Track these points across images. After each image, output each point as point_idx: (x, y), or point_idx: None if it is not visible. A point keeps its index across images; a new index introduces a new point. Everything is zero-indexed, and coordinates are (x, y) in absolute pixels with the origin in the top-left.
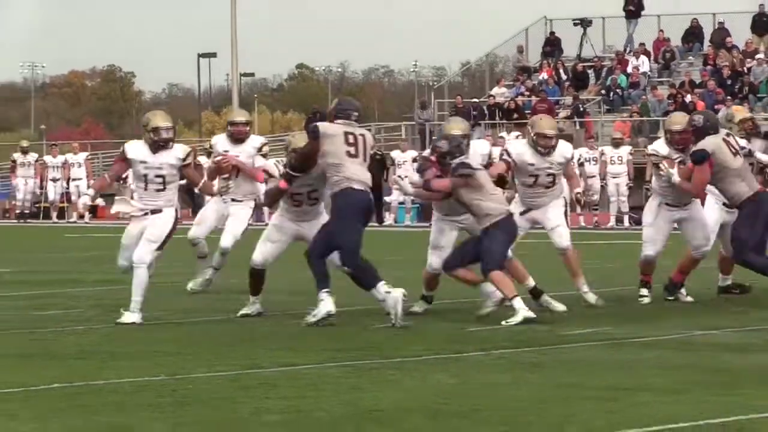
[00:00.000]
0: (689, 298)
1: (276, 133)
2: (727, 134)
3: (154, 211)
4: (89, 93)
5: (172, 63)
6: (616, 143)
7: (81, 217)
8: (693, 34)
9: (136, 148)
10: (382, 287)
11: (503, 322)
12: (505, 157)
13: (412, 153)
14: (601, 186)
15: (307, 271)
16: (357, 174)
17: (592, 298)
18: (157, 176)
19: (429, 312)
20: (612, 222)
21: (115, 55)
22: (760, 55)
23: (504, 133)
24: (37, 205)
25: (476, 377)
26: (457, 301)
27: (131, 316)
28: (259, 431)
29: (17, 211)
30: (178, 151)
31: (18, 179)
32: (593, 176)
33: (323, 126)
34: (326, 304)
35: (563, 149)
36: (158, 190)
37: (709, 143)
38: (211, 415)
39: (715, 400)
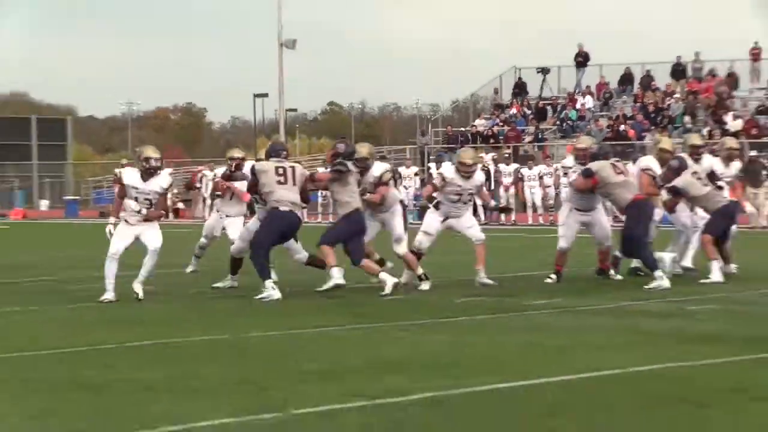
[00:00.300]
0: (619, 277)
1: (313, 153)
2: (616, 160)
3: (146, 220)
4: (172, 124)
5: (236, 100)
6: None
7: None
8: (626, 79)
9: (130, 175)
10: (269, 283)
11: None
12: (435, 180)
13: (414, 168)
14: (556, 193)
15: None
16: (284, 197)
17: (483, 279)
18: (146, 199)
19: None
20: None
21: (191, 94)
22: (677, 95)
23: (483, 154)
24: None
25: (462, 337)
26: (446, 279)
27: (141, 290)
28: (302, 378)
29: None
30: (163, 181)
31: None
32: (549, 186)
33: (258, 165)
34: (270, 293)
35: (479, 176)
36: (147, 208)
37: (595, 164)
38: (265, 364)
39: (639, 353)
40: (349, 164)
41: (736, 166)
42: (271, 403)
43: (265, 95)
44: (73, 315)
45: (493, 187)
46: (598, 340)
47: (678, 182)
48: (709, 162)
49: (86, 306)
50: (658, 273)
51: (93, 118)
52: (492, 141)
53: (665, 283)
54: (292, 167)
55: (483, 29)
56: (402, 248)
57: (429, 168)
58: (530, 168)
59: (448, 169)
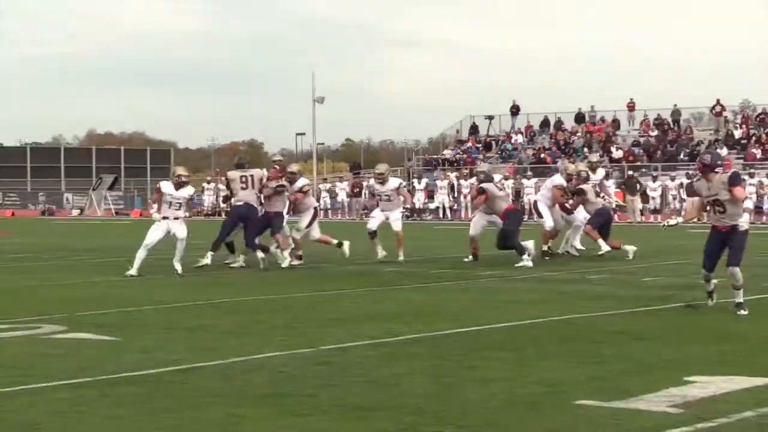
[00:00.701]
0: (546, 258)
1: (335, 173)
2: (500, 180)
3: (176, 218)
4: (241, 153)
5: (283, 137)
6: (506, 177)
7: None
8: (545, 123)
9: (166, 186)
10: (231, 257)
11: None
12: (371, 190)
13: (403, 183)
14: None
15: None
16: (244, 197)
17: (401, 257)
18: (177, 203)
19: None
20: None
21: (254, 133)
22: (579, 134)
23: (449, 173)
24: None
25: (438, 296)
26: (424, 258)
27: (178, 267)
28: (326, 324)
29: (205, 213)
30: (189, 191)
31: (204, 196)
32: None
33: (229, 174)
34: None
35: (393, 182)
36: (177, 209)
37: (485, 185)
38: (300, 315)
39: (555, 307)
40: (287, 185)
41: (602, 172)
42: (304, 342)
43: (303, 134)
44: (176, 282)
45: (456, 195)
46: (527, 298)
47: (584, 186)
48: (601, 173)
49: (188, 275)
50: (525, 256)
51: (188, 149)
52: (455, 164)
53: (529, 264)
54: (252, 175)
55: (449, 90)
56: (297, 234)
57: (412, 182)
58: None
59: (374, 182)
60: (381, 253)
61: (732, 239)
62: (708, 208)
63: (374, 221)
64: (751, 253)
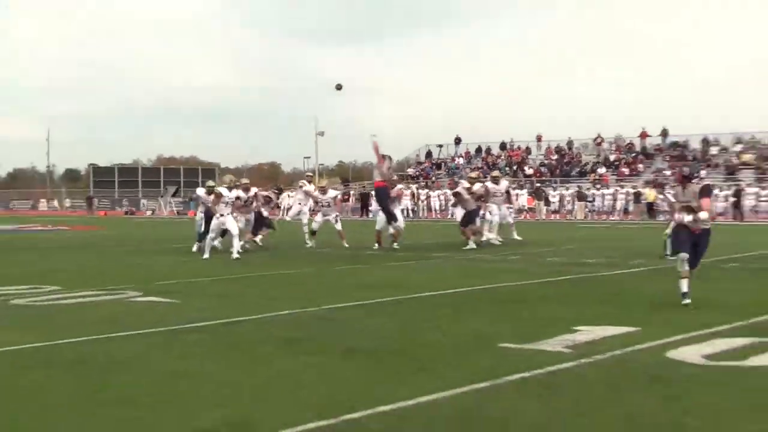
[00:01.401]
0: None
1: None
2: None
3: (228, 214)
4: (264, 171)
5: (296, 159)
6: (451, 187)
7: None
8: (478, 150)
9: (223, 190)
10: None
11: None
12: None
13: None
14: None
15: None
16: (218, 210)
17: (345, 245)
18: (229, 202)
19: (383, 250)
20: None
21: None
22: (502, 157)
23: (412, 185)
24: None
25: (403, 272)
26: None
27: (236, 252)
28: (324, 291)
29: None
30: (238, 193)
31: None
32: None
33: (217, 189)
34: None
35: (332, 192)
36: (225, 206)
37: (459, 189)
38: (310, 286)
39: (487, 279)
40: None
41: (505, 184)
42: (312, 303)
43: (309, 157)
44: (238, 261)
45: (416, 200)
46: (466, 272)
47: (459, 190)
48: (505, 184)
49: (246, 256)
50: (471, 241)
51: (228, 168)
52: (416, 179)
53: (473, 246)
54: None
55: (411, 126)
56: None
57: None
58: (432, 191)
59: (318, 192)
60: (310, 243)
61: (701, 242)
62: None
63: (317, 224)
64: (619, 240)
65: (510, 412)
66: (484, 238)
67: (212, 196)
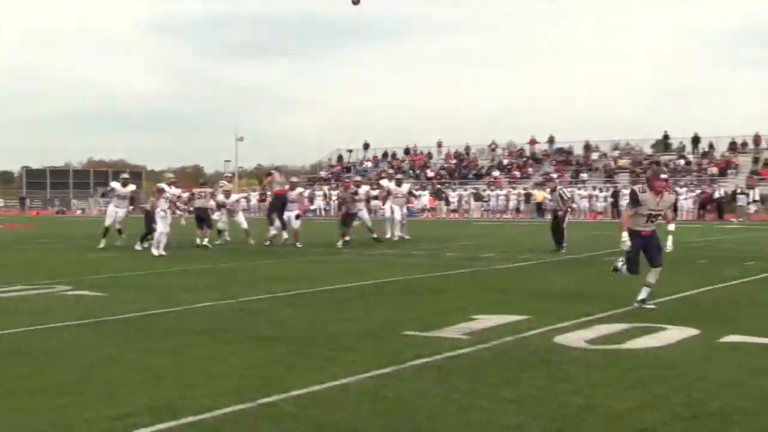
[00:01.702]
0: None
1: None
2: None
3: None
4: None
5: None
6: (346, 187)
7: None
8: (385, 155)
9: (164, 186)
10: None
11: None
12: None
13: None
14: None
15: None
16: (197, 204)
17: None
18: (170, 198)
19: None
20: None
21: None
22: (406, 162)
23: (324, 186)
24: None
25: (314, 266)
26: (307, 242)
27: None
28: (241, 283)
29: None
30: (178, 191)
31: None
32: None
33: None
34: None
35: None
36: (166, 201)
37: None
38: (222, 277)
39: (394, 272)
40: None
41: (406, 187)
42: (228, 295)
43: (229, 160)
44: (149, 257)
45: (328, 201)
46: (373, 267)
47: (342, 194)
48: (406, 187)
49: (172, 252)
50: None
51: (155, 172)
52: (328, 181)
53: (341, 245)
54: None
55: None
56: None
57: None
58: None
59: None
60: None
61: (651, 241)
62: (645, 218)
63: (223, 223)
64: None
65: (412, 393)
66: (388, 236)
67: (155, 191)
